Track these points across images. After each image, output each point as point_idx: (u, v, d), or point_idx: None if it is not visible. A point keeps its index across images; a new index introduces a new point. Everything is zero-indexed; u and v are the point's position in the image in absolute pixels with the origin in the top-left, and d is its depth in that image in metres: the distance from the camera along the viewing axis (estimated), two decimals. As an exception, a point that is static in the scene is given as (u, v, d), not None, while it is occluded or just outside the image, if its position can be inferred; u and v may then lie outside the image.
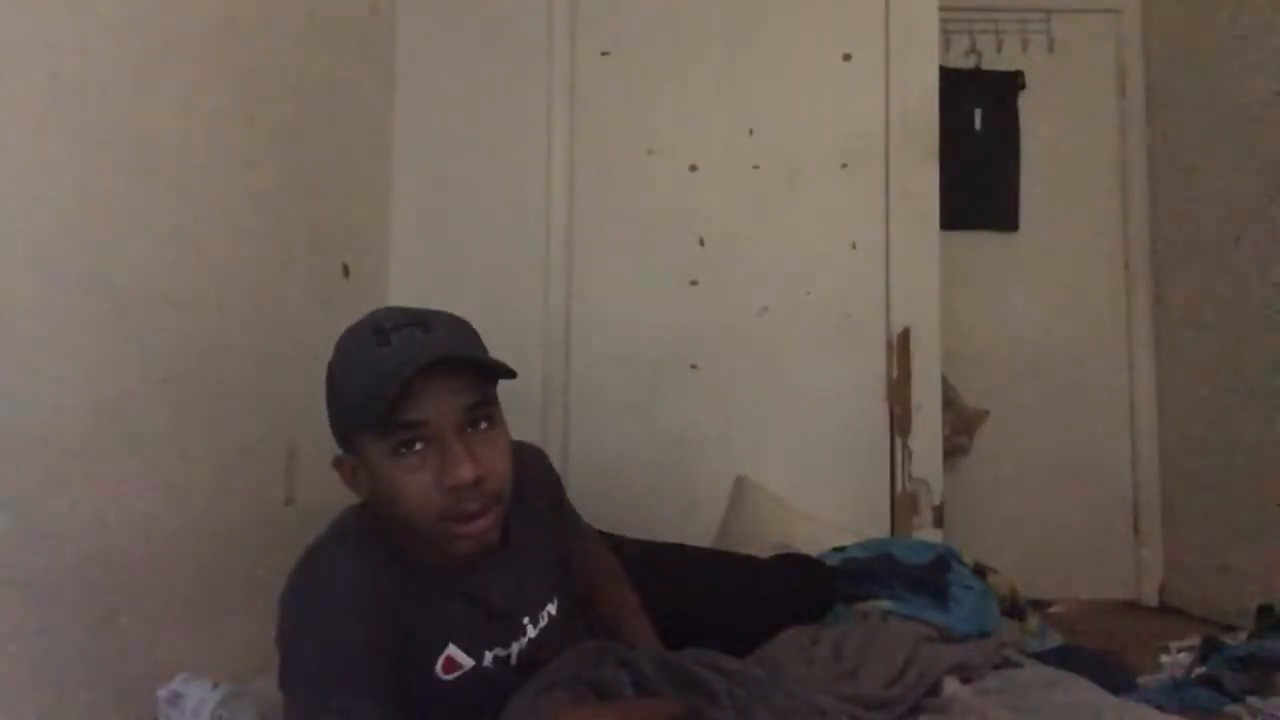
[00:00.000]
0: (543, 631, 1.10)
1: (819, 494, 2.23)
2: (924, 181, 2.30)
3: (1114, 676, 1.51)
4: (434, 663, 1.01)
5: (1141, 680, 1.61)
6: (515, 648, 1.07)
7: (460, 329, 1.02)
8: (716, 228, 2.32)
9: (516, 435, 1.08)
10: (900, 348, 2.27)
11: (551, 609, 1.13)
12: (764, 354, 2.29)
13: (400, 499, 0.94)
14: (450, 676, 1.02)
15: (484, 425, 0.98)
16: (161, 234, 1.36)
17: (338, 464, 1.02)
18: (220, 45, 1.51)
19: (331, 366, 1.00)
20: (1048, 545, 2.78)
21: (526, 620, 1.09)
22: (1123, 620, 2.59)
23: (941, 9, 2.38)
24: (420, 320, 0.97)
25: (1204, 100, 2.64)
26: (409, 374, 0.91)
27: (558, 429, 2.26)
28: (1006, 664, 1.37)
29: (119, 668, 1.22)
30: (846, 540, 1.89)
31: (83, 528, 1.17)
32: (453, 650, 1.02)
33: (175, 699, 1.17)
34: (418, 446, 0.94)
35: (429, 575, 1.01)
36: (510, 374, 0.99)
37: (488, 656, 1.04)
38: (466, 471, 0.93)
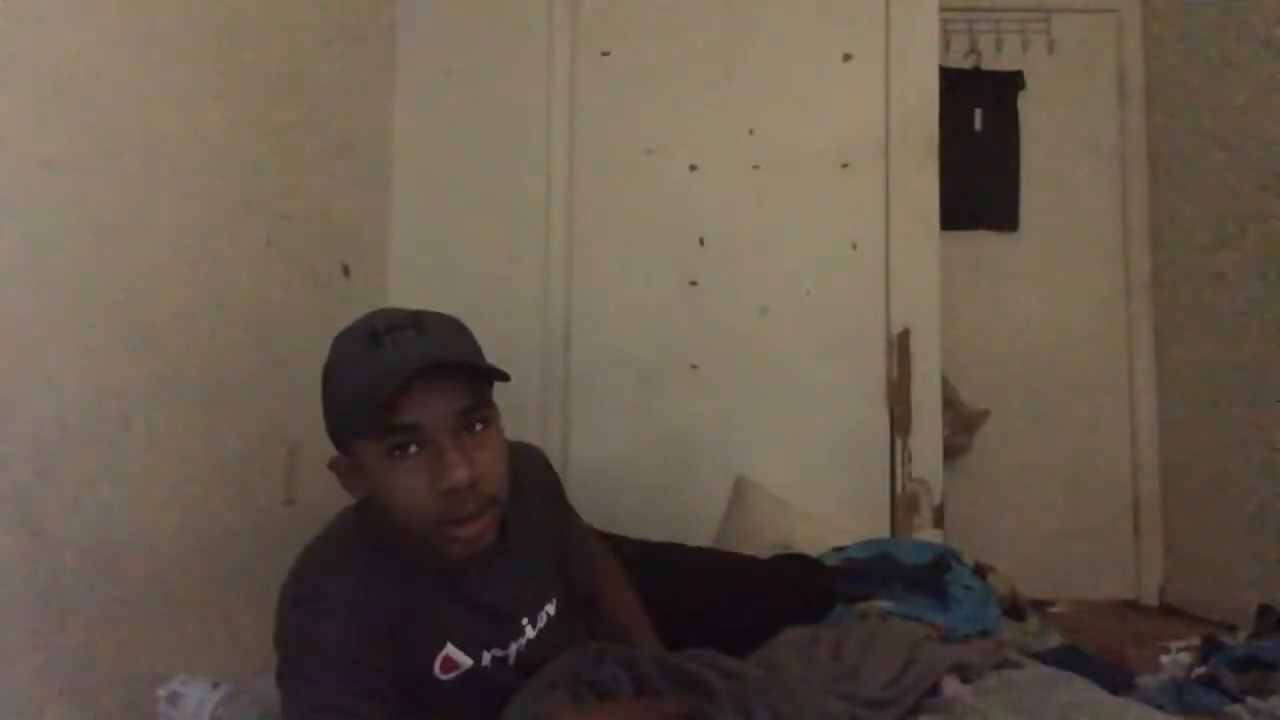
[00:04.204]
0: (541, 632, 1.10)
1: (819, 494, 2.23)
2: (924, 181, 2.30)
3: (1114, 676, 1.51)
4: (432, 662, 1.01)
5: (1141, 680, 1.61)
6: (513, 648, 1.07)
7: (456, 331, 1.01)
8: (716, 228, 2.32)
9: (515, 436, 1.08)
10: (900, 348, 2.27)
11: (550, 609, 1.13)
12: (764, 354, 2.29)
13: (396, 502, 0.94)
14: (448, 676, 1.02)
15: (479, 428, 0.97)
16: (161, 234, 1.36)
17: (334, 465, 1.02)
18: (220, 45, 1.51)
19: (327, 368, 1.00)
20: (1048, 545, 2.79)
21: (525, 621, 1.09)
22: (1123, 620, 2.58)
23: (941, 9, 2.37)
24: (415, 322, 0.97)
25: (1204, 100, 2.64)
26: (402, 378, 0.90)
27: (558, 429, 2.26)
28: (1006, 664, 1.37)
29: (119, 668, 1.22)
30: (846, 540, 1.89)
31: (82, 528, 1.17)
32: (450, 650, 1.02)
33: (175, 699, 1.17)
34: (412, 449, 0.93)
35: (426, 575, 1.01)
36: (504, 377, 0.98)
37: (486, 656, 1.04)
38: (461, 475, 0.93)
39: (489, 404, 1.00)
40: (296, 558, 1.01)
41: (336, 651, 0.92)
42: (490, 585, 1.05)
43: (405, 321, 0.97)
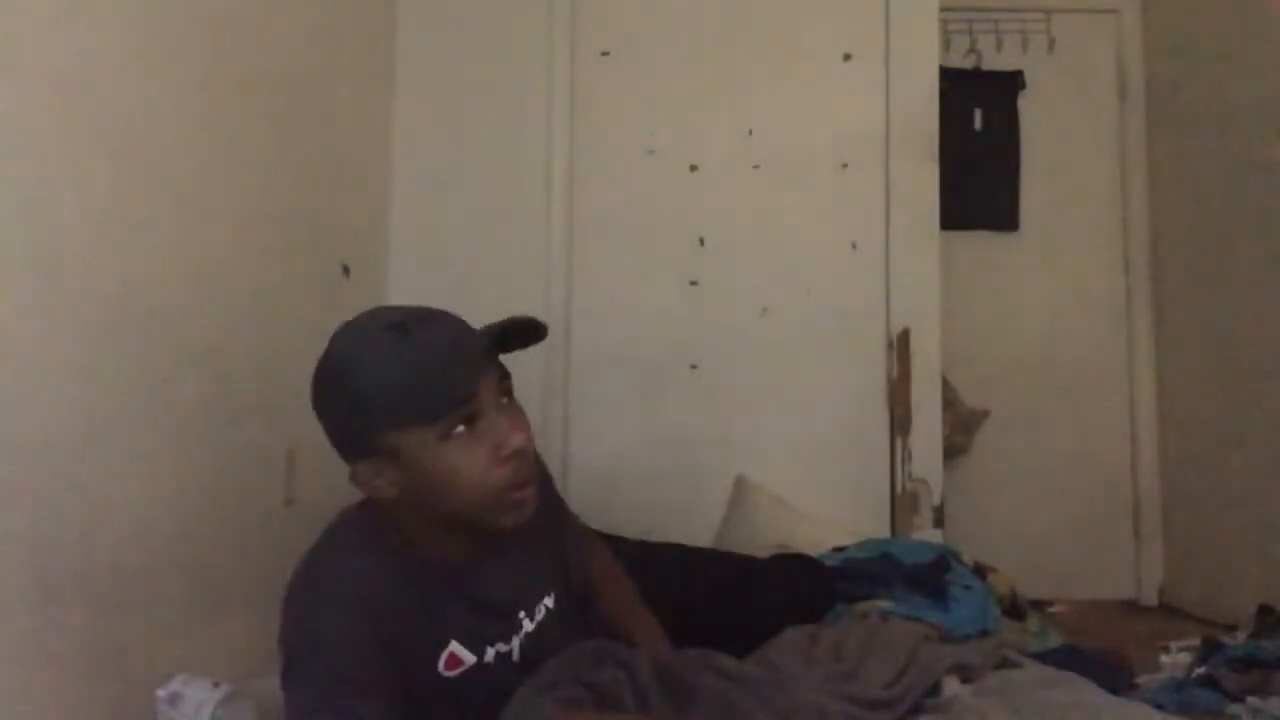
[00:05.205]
0: (540, 625, 1.10)
1: (819, 494, 2.23)
2: (924, 181, 2.30)
3: (1114, 676, 1.51)
4: (436, 660, 1.01)
5: (1141, 680, 1.61)
6: (516, 643, 1.07)
7: (457, 317, 1.03)
8: (716, 228, 2.32)
9: (516, 435, 1.08)
10: (900, 348, 2.27)
11: (549, 602, 1.13)
12: (764, 354, 2.29)
13: (459, 480, 0.95)
14: (452, 673, 1.02)
15: (509, 398, 1.02)
16: (161, 234, 1.35)
17: (356, 476, 0.99)
18: (220, 45, 1.51)
19: (343, 369, 0.97)
20: (1048, 545, 2.78)
21: (522, 614, 1.09)
22: (1123, 620, 2.59)
23: (941, 9, 2.38)
24: (425, 313, 0.99)
25: (1204, 100, 2.63)
26: (475, 352, 0.95)
27: (558, 429, 2.26)
28: (1006, 664, 1.37)
29: (119, 668, 1.22)
30: (846, 540, 1.89)
31: (83, 528, 1.17)
32: (454, 647, 1.02)
33: (175, 699, 1.16)
34: (460, 429, 0.95)
35: (429, 573, 1.01)
36: (543, 334, 1.01)
37: (489, 652, 1.04)
38: (522, 438, 0.97)
39: (510, 376, 1.03)
40: (301, 558, 1.01)
41: (341, 651, 0.92)
42: (489, 581, 1.06)
43: (411, 314, 0.99)
